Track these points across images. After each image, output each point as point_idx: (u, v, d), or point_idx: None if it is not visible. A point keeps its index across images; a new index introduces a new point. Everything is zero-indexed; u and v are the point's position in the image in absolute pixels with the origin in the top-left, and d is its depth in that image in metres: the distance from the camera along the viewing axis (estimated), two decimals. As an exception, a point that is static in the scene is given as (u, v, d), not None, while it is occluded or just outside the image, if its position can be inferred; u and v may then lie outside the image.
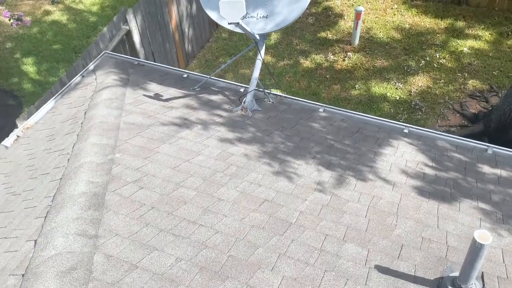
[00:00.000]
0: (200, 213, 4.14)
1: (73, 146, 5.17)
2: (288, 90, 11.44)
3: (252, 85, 6.36)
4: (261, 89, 6.89)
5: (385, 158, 5.62)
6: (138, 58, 10.26)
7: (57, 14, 13.70)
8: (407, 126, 6.51)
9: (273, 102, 6.89)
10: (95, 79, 7.24)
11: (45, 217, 3.95)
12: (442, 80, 11.30)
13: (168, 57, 11.43)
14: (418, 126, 11.10)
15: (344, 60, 12.02)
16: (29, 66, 12.21)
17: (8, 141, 7.07)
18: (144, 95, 6.57)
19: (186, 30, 11.86)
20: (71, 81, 7.67)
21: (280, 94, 7.23)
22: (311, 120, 6.46)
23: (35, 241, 3.68)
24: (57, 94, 7.54)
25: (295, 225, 4.11)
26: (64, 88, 7.60)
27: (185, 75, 7.52)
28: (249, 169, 4.97)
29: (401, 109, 10.84)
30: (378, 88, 11.30)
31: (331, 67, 11.86)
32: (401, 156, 5.69)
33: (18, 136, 6.99)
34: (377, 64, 11.81)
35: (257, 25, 5.91)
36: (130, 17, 9.99)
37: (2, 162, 6.25)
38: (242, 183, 4.63)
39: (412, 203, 4.60)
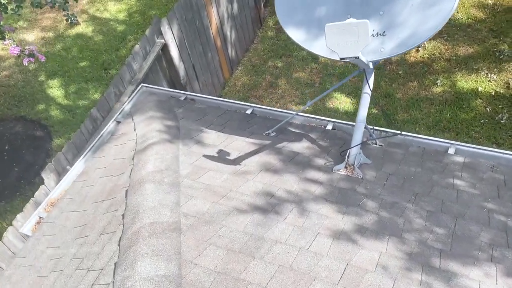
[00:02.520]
0: None
1: (114, 272, 3.02)
2: (354, 93, 8.99)
3: (358, 132, 4.01)
4: (370, 137, 4.55)
5: None
6: (178, 74, 8.12)
7: (82, 27, 11.48)
8: None
9: (381, 145, 4.51)
10: (134, 129, 4.98)
11: None
12: (546, 67, 8.69)
13: (211, 67, 9.15)
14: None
15: (417, 50, 9.46)
16: (55, 89, 10.10)
17: (27, 226, 4.90)
18: (204, 156, 4.30)
19: (228, 33, 9.52)
20: (103, 130, 5.43)
21: (387, 130, 4.82)
22: (447, 173, 4.32)
23: None
24: (86, 151, 5.31)
25: None
26: (95, 141, 5.37)
27: (249, 111, 5.23)
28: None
29: (500, 106, 8.36)
30: (466, 82, 8.79)
31: (403, 60, 9.34)
32: None
33: (40, 219, 4.81)
34: (460, 52, 9.26)
35: (368, 46, 3.51)
36: (165, 28, 7.72)
37: (20, 269, 4.14)
38: None
39: None
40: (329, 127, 5.11)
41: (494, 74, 9.00)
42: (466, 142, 8.63)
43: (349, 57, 3.24)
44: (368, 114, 8.61)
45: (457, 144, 4.70)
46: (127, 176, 4.42)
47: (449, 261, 3.28)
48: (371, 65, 3.78)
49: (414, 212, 3.76)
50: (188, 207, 3.79)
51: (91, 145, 5.49)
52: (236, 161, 4.40)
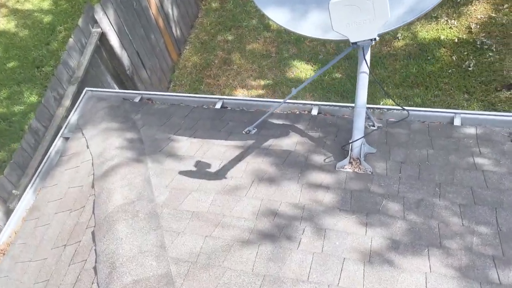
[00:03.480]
0: None
1: None
2: (314, 58, 8.20)
3: (360, 120, 3.28)
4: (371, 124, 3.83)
5: None
6: (122, 64, 7.20)
7: (2, 23, 10.04)
8: None
9: (380, 126, 3.80)
10: (87, 146, 4.05)
11: None
12: (507, 5, 8.16)
13: (157, 50, 8.14)
14: (494, 70, 8.19)
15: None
16: (-16, 98, 8.79)
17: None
18: (181, 173, 3.48)
19: (170, 11, 8.49)
20: (49, 151, 4.46)
21: (384, 106, 4.11)
22: (463, 151, 3.74)
23: None
24: (34, 179, 4.34)
25: None
26: (42, 165, 4.39)
27: (218, 104, 4.45)
28: None
29: (465, 53, 7.84)
30: (427, 32, 8.22)
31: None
32: None
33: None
34: (418, 2, 8.50)
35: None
36: (100, 15, 6.66)
37: None
38: None
39: None
40: (315, 111, 4.32)
41: (454, 19, 8.43)
42: (436, 96, 8.08)
43: (364, 40, 2.42)
44: (333, 79, 7.89)
45: (461, 113, 4.03)
46: (89, 211, 3.52)
47: (508, 271, 2.61)
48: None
49: (445, 209, 3.07)
50: (177, 248, 2.96)
51: (38, 170, 4.49)
52: (221, 174, 3.57)
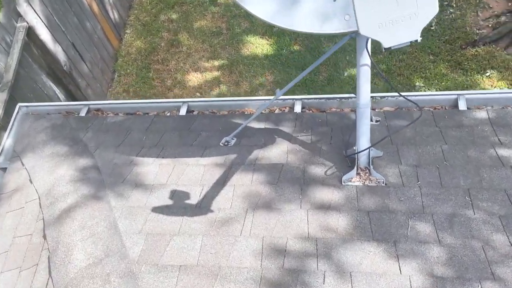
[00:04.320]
0: None
1: None
2: (269, 31, 7.46)
3: (365, 122, 2.65)
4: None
5: None
6: (57, 60, 6.33)
7: None
8: None
9: (378, 121, 3.18)
10: (30, 180, 3.23)
11: None
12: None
13: (95, 39, 7.16)
14: (457, 28, 7.67)
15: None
16: None
17: None
18: (154, 210, 2.79)
19: (104, -7, 7.42)
20: None
21: (378, 95, 3.49)
22: (482, 142, 3.19)
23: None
24: None
25: None
26: None
27: (183, 109, 3.75)
28: None
29: (428, 12, 7.11)
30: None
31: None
32: None
33: None
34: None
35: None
36: (24, 7, 5.67)
37: None
38: None
39: None
40: (298, 107, 3.62)
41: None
42: (401, 61, 7.52)
43: (402, 44, 1.71)
44: (291, 52, 7.17)
45: (463, 94, 3.44)
46: (45, 271, 2.73)
47: None
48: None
49: (484, 223, 2.50)
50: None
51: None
52: (205, 206, 2.85)
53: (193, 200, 2.97)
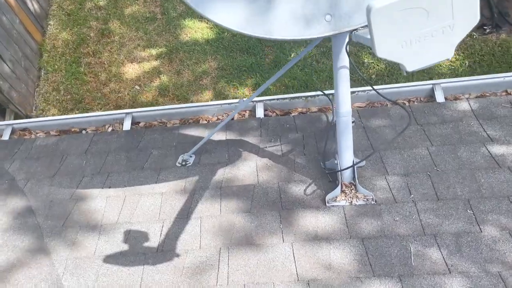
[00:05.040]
0: None
1: None
2: None
3: (347, 133, 2.23)
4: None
5: None
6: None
7: None
8: None
9: (353, 122, 2.79)
10: None
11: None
12: None
13: (14, 35, 6.32)
14: None
15: None
16: None
17: None
18: (106, 260, 2.43)
19: (19, -19, 6.51)
20: None
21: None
22: (470, 140, 2.88)
23: None
24: None
25: None
26: None
27: (127, 123, 3.22)
28: None
29: None
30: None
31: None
32: None
33: None
34: None
35: None
36: None
37: None
38: None
39: None
40: (260, 110, 3.13)
41: None
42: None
43: (430, 65, 1.25)
44: (234, 35, 6.62)
45: (439, 83, 3.08)
46: None
47: None
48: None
49: (494, 241, 2.18)
50: None
51: None
52: (168, 248, 2.36)
53: (153, 241, 2.43)
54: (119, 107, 6.44)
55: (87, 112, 6.41)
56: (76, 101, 6.54)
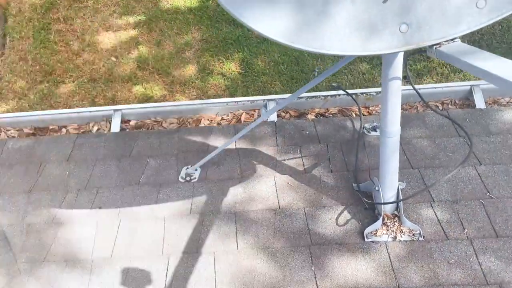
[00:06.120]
0: None
1: None
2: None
3: (392, 154, 1.75)
4: None
5: None
6: None
7: None
8: None
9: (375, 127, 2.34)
10: None
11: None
12: None
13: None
14: None
15: None
16: None
17: None
18: None
19: None
20: None
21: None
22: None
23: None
24: None
25: None
26: None
27: (116, 121, 2.86)
28: None
29: None
30: None
31: None
32: None
33: None
34: None
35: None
36: None
37: None
38: None
39: None
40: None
41: None
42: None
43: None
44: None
45: (477, 84, 2.65)
46: None
47: None
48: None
49: None
50: None
51: None
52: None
53: (158, 284, 1.93)
54: (94, 81, 5.79)
55: (57, 85, 5.78)
56: (46, 73, 5.84)
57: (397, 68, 1.84)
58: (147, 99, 5.43)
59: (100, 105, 5.45)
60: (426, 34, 1.47)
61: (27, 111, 5.30)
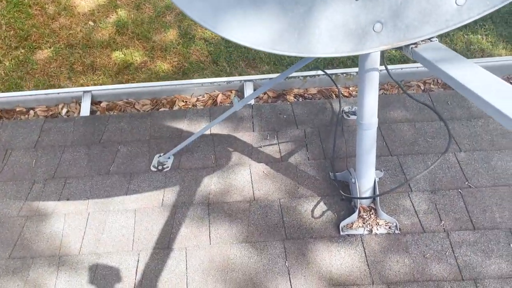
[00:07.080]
0: None
1: None
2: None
3: (368, 147, 1.66)
4: None
5: None
6: None
7: None
8: None
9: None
10: None
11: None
12: None
13: None
14: None
15: None
16: None
17: None
18: None
19: None
20: None
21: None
22: (501, 140, 2.40)
23: None
24: None
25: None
26: None
27: (85, 103, 2.73)
28: None
29: None
30: None
31: None
32: None
33: None
34: None
35: None
36: None
37: None
38: None
39: None
40: (249, 93, 2.53)
41: None
42: None
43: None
44: None
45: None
46: None
47: None
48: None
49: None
50: None
51: None
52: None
53: (127, 281, 1.87)
54: (72, 46, 5.56)
55: (33, 51, 5.55)
56: (21, 38, 5.60)
57: (375, 59, 1.71)
58: (127, 65, 5.24)
59: (79, 72, 5.26)
60: (402, 33, 1.35)
61: (3, 78, 5.10)
